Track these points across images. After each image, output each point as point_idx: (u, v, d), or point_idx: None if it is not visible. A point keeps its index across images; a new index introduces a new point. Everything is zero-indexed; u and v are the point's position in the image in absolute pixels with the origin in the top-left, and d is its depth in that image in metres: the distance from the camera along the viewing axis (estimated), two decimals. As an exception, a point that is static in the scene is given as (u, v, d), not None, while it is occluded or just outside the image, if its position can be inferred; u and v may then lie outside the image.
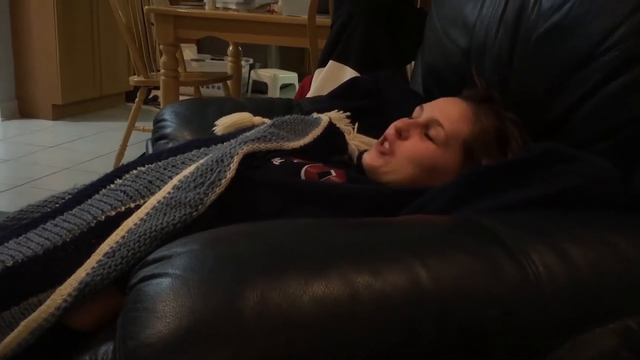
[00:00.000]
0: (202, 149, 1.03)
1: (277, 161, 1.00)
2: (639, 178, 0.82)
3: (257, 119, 1.21)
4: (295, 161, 1.01)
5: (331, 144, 1.15)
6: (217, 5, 2.77)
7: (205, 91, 4.34)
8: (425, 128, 1.04)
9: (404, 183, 1.02)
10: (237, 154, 0.91)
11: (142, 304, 0.60)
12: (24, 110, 4.00)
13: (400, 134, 1.04)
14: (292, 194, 0.91)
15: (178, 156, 1.00)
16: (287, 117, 1.15)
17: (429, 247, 0.67)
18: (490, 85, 1.09)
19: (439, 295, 0.62)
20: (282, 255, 0.64)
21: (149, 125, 1.89)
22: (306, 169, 0.98)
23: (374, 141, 1.20)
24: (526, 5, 1.05)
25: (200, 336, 0.56)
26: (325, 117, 1.18)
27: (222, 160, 0.89)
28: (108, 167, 3.03)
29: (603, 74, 0.88)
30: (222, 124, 1.21)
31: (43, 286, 0.79)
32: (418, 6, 2.16)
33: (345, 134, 1.21)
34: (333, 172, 1.00)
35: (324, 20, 2.30)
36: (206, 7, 2.81)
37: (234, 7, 2.71)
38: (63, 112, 4.01)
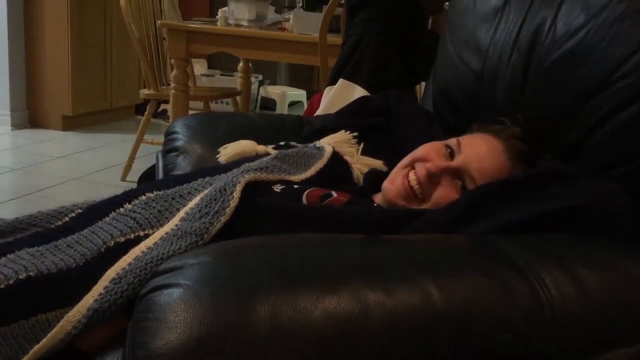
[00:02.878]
0: (206, 178, 1.04)
1: (278, 188, 1.00)
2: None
3: (261, 148, 1.21)
4: (296, 186, 1.01)
5: (335, 172, 1.14)
6: (229, 21, 2.80)
7: (214, 106, 4.37)
8: (459, 178, 0.99)
9: None
10: (239, 182, 0.92)
11: (153, 313, 0.60)
12: (34, 120, 4.03)
13: (431, 178, 0.99)
14: (294, 218, 0.91)
15: (184, 185, 1.01)
16: (290, 150, 1.15)
17: (442, 267, 0.67)
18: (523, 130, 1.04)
19: (452, 316, 0.62)
20: (294, 269, 0.64)
21: (158, 138, 1.91)
22: (307, 193, 0.99)
23: (378, 162, 1.21)
24: (541, 31, 1.05)
25: (211, 348, 0.56)
26: (329, 148, 1.18)
27: (224, 190, 0.91)
28: (116, 179, 3.04)
29: (617, 101, 0.88)
30: (226, 154, 1.21)
31: (54, 306, 0.80)
32: (429, 27, 2.17)
33: (349, 157, 1.20)
34: (334, 194, 0.99)
35: (335, 39, 2.32)
36: (218, 23, 2.84)
37: (245, 23, 2.74)
38: (73, 123, 4.03)
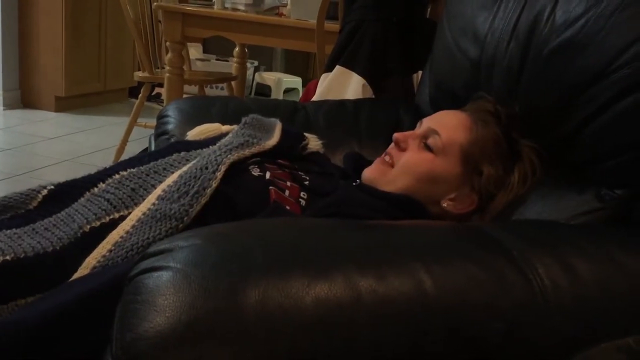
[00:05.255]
0: (182, 154, 1.03)
1: (255, 171, 1.01)
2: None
3: (226, 128, 1.22)
4: (267, 177, 1.01)
5: (292, 134, 1.20)
6: (226, 5, 2.77)
7: (209, 91, 4.34)
8: (424, 138, 1.05)
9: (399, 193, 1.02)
10: (224, 163, 0.92)
11: (142, 296, 0.59)
12: (27, 100, 3.99)
13: (399, 145, 1.06)
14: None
15: (159, 160, 1.00)
16: (251, 116, 1.19)
17: (435, 255, 0.67)
18: (495, 99, 1.09)
19: (444, 304, 0.61)
20: (286, 254, 0.64)
21: (151, 121, 1.89)
22: (271, 190, 0.97)
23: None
24: (539, 20, 1.04)
25: (200, 332, 0.55)
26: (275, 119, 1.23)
27: (206, 168, 0.90)
28: (108, 161, 3.02)
29: (614, 92, 0.87)
30: (192, 135, 1.22)
31: (32, 291, 0.78)
32: (427, 16, 2.16)
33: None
34: (288, 195, 0.98)
35: (333, 25, 2.30)
36: (215, 7, 2.81)
37: (242, 8, 2.72)
38: (66, 104, 4.00)
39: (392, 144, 1.09)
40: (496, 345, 0.61)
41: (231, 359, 0.55)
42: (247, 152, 1.03)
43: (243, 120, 1.17)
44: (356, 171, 1.13)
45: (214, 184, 0.88)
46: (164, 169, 0.98)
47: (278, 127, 1.19)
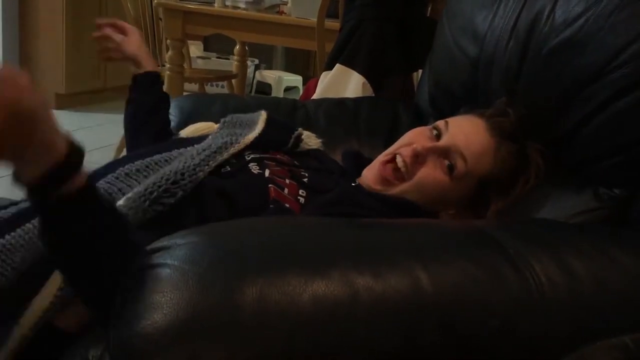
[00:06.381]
0: (164, 154, 1.00)
1: (255, 169, 1.00)
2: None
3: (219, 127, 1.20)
4: (266, 175, 0.99)
5: (279, 123, 1.16)
6: (227, 3, 2.77)
7: (209, 89, 4.34)
8: (445, 157, 0.99)
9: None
10: (197, 177, 0.91)
11: (139, 293, 0.59)
12: (27, 97, 3.99)
13: (418, 159, 0.99)
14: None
15: (135, 162, 0.97)
16: (230, 115, 1.16)
17: (432, 253, 0.67)
18: (521, 114, 1.03)
19: (440, 301, 0.62)
20: (283, 252, 0.64)
21: (152, 118, 1.89)
22: (270, 188, 0.96)
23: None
24: (539, 19, 1.04)
25: (197, 329, 0.56)
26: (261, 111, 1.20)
27: (182, 178, 0.89)
28: (108, 159, 3.00)
29: (613, 91, 0.87)
30: (185, 133, 1.21)
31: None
32: (427, 15, 2.16)
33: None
34: (287, 193, 0.97)
35: (333, 23, 2.30)
36: (215, 5, 2.81)
37: (243, 5, 2.72)
38: (66, 101, 4.00)
39: (407, 152, 1.00)
40: (492, 342, 0.61)
41: (228, 356, 0.56)
42: (225, 155, 1.00)
43: (222, 120, 1.14)
44: (355, 169, 1.13)
45: (181, 194, 0.88)
46: (147, 166, 0.96)
47: (262, 118, 1.15)
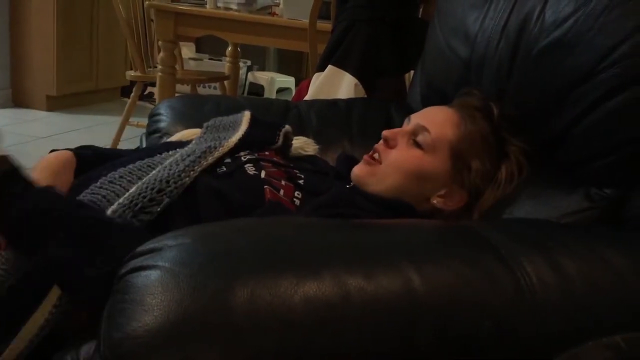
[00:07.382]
0: (145, 160, 1.00)
1: (250, 170, 1.01)
2: (638, 197, 0.81)
3: None
4: (262, 176, 1.00)
5: (264, 123, 1.18)
6: (219, 4, 2.76)
7: (202, 90, 4.34)
8: (413, 135, 1.05)
9: (389, 193, 1.02)
10: (183, 183, 0.91)
11: (130, 295, 0.59)
12: (18, 99, 3.96)
13: (388, 143, 1.06)
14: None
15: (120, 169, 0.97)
16: (212, 119, 1.18)
17: (424, 253, 0.67)
18: (484, 95, 1.09)
19: (433, 303, 0.62)
20: (275, 253, 0.64)
21: (143, 121, 1.88)
22: (266, 189, 0.97)
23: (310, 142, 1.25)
24: (529, 19, 1.05)
25: (188, 331, 0.55)
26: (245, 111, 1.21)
27: (167, 185, 0.90)
28: (100, 160, 3.00)
29: (603, 91, 0.88)
30: (173, 140, 1.21)
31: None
32: (419, 16, 2.16)
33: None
34: (283, 195, 0.98)
35: (325, 25, 2.30)
36: (207, 6, 2.80)
37: (235, 7, 2.71)
38: (57, 103, 3.98)
39: (381, 141, 1.08)
40: (484, 343, 0.61)
41: (220, 358, 0.55)
42: (210, 159, 1.00)
43: (205, 125, 1.16)
44: (349, 172, 1.13)
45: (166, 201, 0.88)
46: (130, 172, 0.95)
47: (245, 118, 1.16)
